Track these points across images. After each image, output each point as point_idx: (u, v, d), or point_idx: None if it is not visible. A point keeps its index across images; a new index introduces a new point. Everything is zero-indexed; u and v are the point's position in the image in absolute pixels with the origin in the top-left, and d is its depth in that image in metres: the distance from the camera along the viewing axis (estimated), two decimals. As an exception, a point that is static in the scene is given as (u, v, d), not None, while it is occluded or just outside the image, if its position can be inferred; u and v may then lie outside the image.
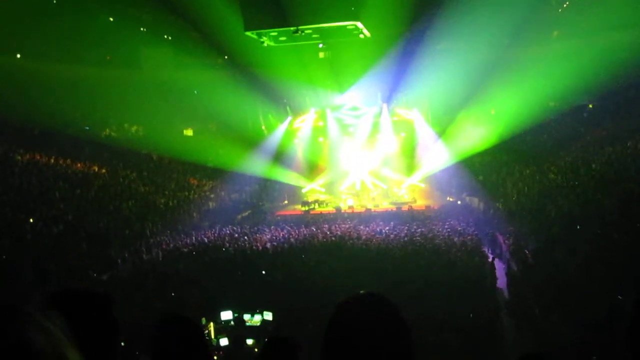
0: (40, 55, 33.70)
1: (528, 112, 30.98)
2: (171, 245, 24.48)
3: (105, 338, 1.98)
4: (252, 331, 14.01)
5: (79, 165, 30.22)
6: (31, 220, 21.64)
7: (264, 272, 18.61)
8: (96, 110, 35.80)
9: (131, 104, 37.68)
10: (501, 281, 18.55)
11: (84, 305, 1.96)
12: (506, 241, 22.69)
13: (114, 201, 27.31)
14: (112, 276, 20.01)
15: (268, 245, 23.59)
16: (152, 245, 23.92)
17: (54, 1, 31.87)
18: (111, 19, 34.26)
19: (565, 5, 33.06)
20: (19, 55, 34.15)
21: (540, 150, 31.78)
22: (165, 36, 37.73)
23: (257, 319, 14.53)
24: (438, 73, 33.00)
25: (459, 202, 33.81)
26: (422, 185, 37.16)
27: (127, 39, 36.66)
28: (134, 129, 39.47)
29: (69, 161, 29.99)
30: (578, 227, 18.99)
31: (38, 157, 28.92)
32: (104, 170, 30.97)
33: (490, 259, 20.18)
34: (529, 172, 30.00)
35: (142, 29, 36.83)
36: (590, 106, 33.89)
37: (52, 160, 29.27)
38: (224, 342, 13.61)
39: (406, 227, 25.72)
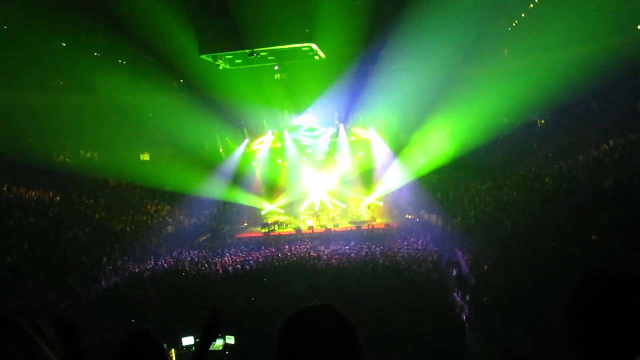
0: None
1: (482, 128, 31.45)
2: (130, 271, 24.14)
3: None
4: (215, 356, 13.82)
5: (33, 193, 29.56)
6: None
7: (225, 296, 18.45)
8: (50, 137, 35.00)
9: (86, 130, 37.08)
10: (462, 296, 18.72)
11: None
12: (465, 257, 22.93)
13: (71, 229, 26.79)
14: (70, 305, 19.61)
15: (229, 268, 23.42)
16: (110, 272, 23.53)
17: (5, 27, 31.22)
18: (64, 44, 33.70)
19: (514, 24, 33.85)
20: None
21: (495, 166, 32.22)
22: (120, 61, 37.25)
23: (219, 343, 14.33)
24: (394, 92, 33.46)
25: (417, 220, 34.02)
26: (381, 204, 37.37)
27: (81, 64, 36.15)
28: (89, 154, 38.84)
29: (22, 189, 29.31)
30: (533, 240, 19.29)
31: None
32: (59, 198, 30.35)
33: (451, 275, 20.36)
34: (485, 187, 30.40)
35: (96, 53, 36.32)
36: (542, 122, 34.57)
37: (5, 188, 28.55)
38: (186, 367, 13.41)
39: (366, 246, 25.85)
